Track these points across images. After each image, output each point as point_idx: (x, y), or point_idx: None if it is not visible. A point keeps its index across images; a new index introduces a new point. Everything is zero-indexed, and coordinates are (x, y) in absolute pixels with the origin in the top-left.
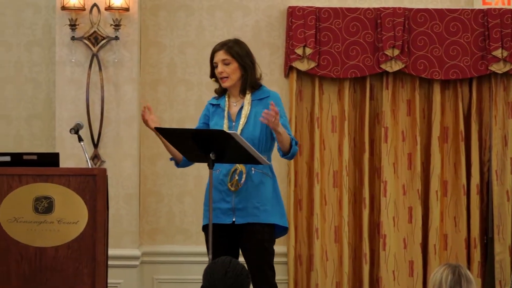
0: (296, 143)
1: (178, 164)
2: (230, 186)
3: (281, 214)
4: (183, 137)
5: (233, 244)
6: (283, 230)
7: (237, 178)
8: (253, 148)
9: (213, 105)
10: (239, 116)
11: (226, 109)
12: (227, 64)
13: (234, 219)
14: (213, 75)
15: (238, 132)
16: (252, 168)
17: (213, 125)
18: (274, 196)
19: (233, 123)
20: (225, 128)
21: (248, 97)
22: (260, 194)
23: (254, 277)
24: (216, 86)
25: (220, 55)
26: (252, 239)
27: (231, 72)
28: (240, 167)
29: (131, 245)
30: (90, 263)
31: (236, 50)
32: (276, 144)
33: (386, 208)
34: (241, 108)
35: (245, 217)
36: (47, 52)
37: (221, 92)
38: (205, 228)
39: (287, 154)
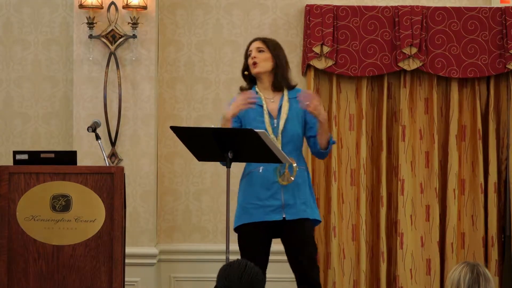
0: (332, 139)
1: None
2: (281, 181)
3: (317, 209)
4: (202, 136)
5: (269, 244)
6: (316, 222)
7: (288, 172)
8: (277, 147)
9: None
10: (280, 113)
11: (265, 105)
12: (260, 52)
13: (284, 216)
14: (245, 69)
15: (280, 128)
16: (295, 165)
17: (251, 121)
18: (311, 192)
19: (275, 120)
20: (267, 124)
21: (285, 94)
22: (305, 190)
23: (304, 272)
24: (242, 83)
25: (256, 44)
26: (304, 234)
27: (263, 59)
28: (292, 160)
29: (148, 243)
30: (107, 261)
31: (272, 43)
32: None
33: (404, 207)
34: (281, 105)
35: (295, 214)
36: (64, 50)
37: (248, 89)
38: (242, 227)
39: (324, 149)
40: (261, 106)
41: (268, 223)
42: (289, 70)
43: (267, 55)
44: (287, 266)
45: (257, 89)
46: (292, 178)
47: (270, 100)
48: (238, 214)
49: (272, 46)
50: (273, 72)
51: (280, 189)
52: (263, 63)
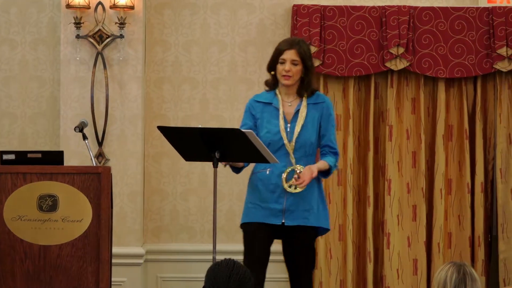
0: (334, 165)
1: (240, 170)
2: (287, 187)
3: (326, 217)
4: (189, 135)
5: (270, 243)
6: (324, 231)
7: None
8: (265, 147)
9: (259, 102)
10: (296, 118)
11: (281, 108)
12: (295, 65)
13: (283, 221)
14: (272, 69)
15: (295, 135)
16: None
17: (266, 123)
18: (320, 198)
19: (289, 125)
20: (281, 128)
21: (304, 100)
22: (311, 196)
23: (300, 276)
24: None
25: (291, 54)
26: (301, 241)
27: (296, 72)
28: (299, 168)
29: (135, 243)
30: (94, 261)
31: (305, 51)
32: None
33: (390, 206)
34: (298, 110)
35: (295, 219)
36: (52, 50)
37: (272, 85)
38: (245, 225)
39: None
40: (277, 109)
41: (268, 225)
42: (314, 75)
43: (299, 67)
44: (284, 266)
45: (277, 90)
46: (299, 189)
47: (287, 103)
48: (243, 211)
49: (305, 58)
50: (299, 80)
51: (284, 193)
52: (295, 76)
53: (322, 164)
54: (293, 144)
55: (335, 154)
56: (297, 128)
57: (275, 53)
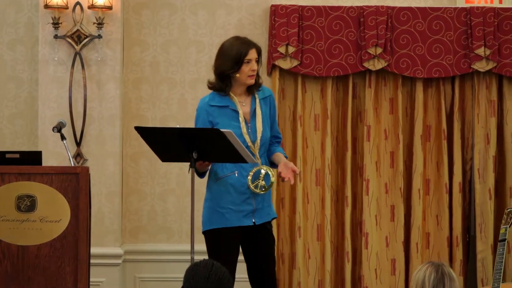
0: (285, 156)
1: (204, 174)
2: (254, 188)
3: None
4: (167, 136)
5: (238, 244)
6: (273, 219)
7: (263, 181)
8: (243, 147)
9: (214, 106)
10: (254, 118)
11: (240, 110)
12: (257, 63)
13: (254, 220)
14: (236, 70)
15: (259, 134)
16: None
17: (226, 127)
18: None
19: (249, 125)
20: (243, 130)
21: (257, 96)
22: (269, 192)
23: (266, 270)
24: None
25: (255, 53)
26: (268, 236)
27: (258, 70)
28: (264, 168)
29: (114, 243)
30: (73, 262)
31: (261, 52)
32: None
33: (369, 207)
34: (254, 108)
35: (262, 217)
36: (29, 50)
37: (221, 88)
38: (216, 231)
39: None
40: (236, 111)
41: (239, 228)
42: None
43: (258, 65)
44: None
45: (231, 93)
46: (267, 188)
47: (242, 104)
48: (208, 217)
49: (260, 55)
50: None
51: (252, 194)
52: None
53: (283, 157)
54: (258, 143)
55: (280, 142)
56: (259, 128)
57: (238, 55)
